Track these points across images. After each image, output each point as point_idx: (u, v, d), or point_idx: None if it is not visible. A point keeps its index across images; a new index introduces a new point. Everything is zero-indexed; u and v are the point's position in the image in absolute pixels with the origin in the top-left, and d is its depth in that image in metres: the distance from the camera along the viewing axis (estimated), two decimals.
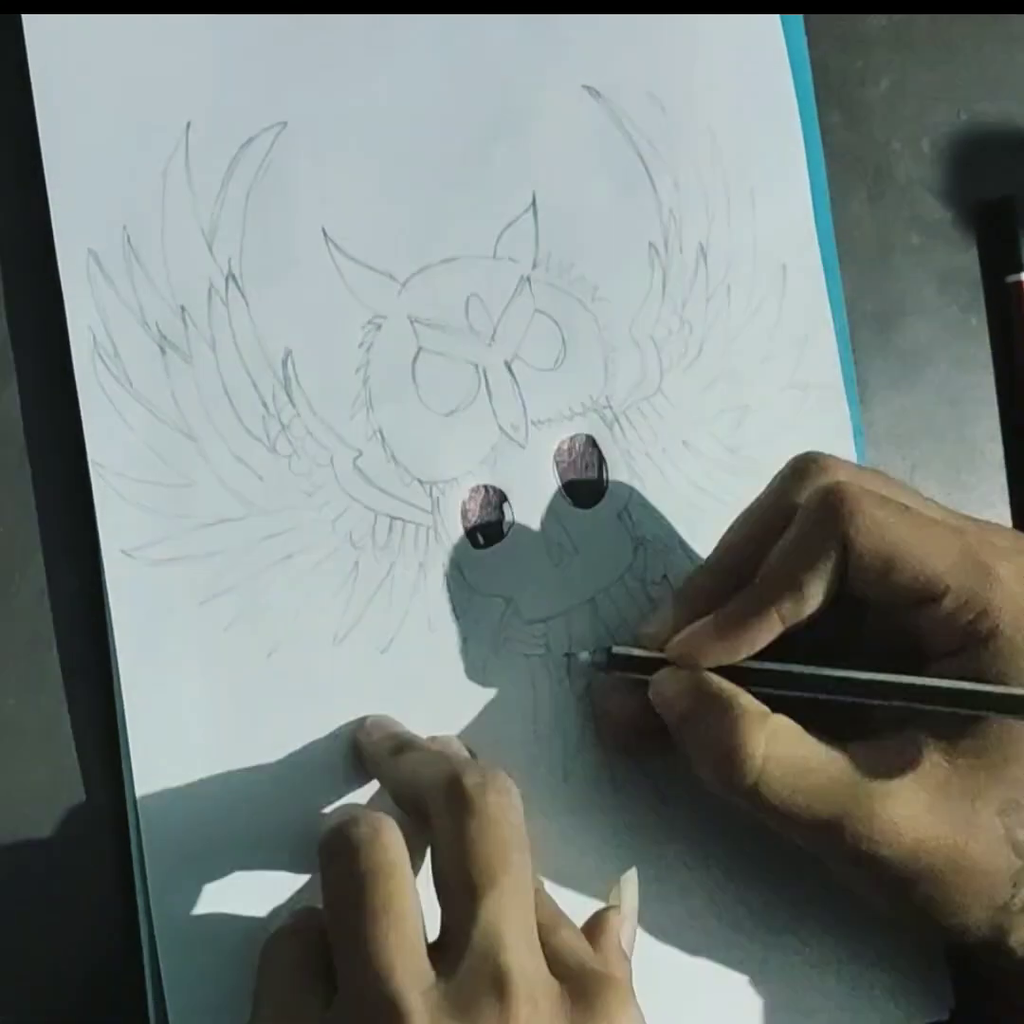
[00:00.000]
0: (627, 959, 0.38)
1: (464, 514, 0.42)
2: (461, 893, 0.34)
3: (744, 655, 0.38)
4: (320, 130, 0.42)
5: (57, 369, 0.40)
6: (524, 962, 0.33)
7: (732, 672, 0.39)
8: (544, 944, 0.35)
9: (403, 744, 0.39)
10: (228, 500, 0.41)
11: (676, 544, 0.44)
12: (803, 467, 0.39)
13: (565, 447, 0.43)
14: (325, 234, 0.42)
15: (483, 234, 0.43)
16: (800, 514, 0.38)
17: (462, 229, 0.43)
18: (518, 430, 0.43)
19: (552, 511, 0.43)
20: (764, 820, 0.38)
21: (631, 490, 0.43)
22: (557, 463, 0.43)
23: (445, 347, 0.42)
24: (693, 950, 0.43)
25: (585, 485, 0.43)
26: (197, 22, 0.41)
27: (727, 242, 0.45)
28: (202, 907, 0.39)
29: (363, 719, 0.41)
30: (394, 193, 0.42)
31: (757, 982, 0.43)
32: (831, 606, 0.38)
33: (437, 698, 0.41)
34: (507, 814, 0.35)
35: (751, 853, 0.43)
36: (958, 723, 0.37)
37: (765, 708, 0.38)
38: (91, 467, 0.40)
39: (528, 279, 0.43)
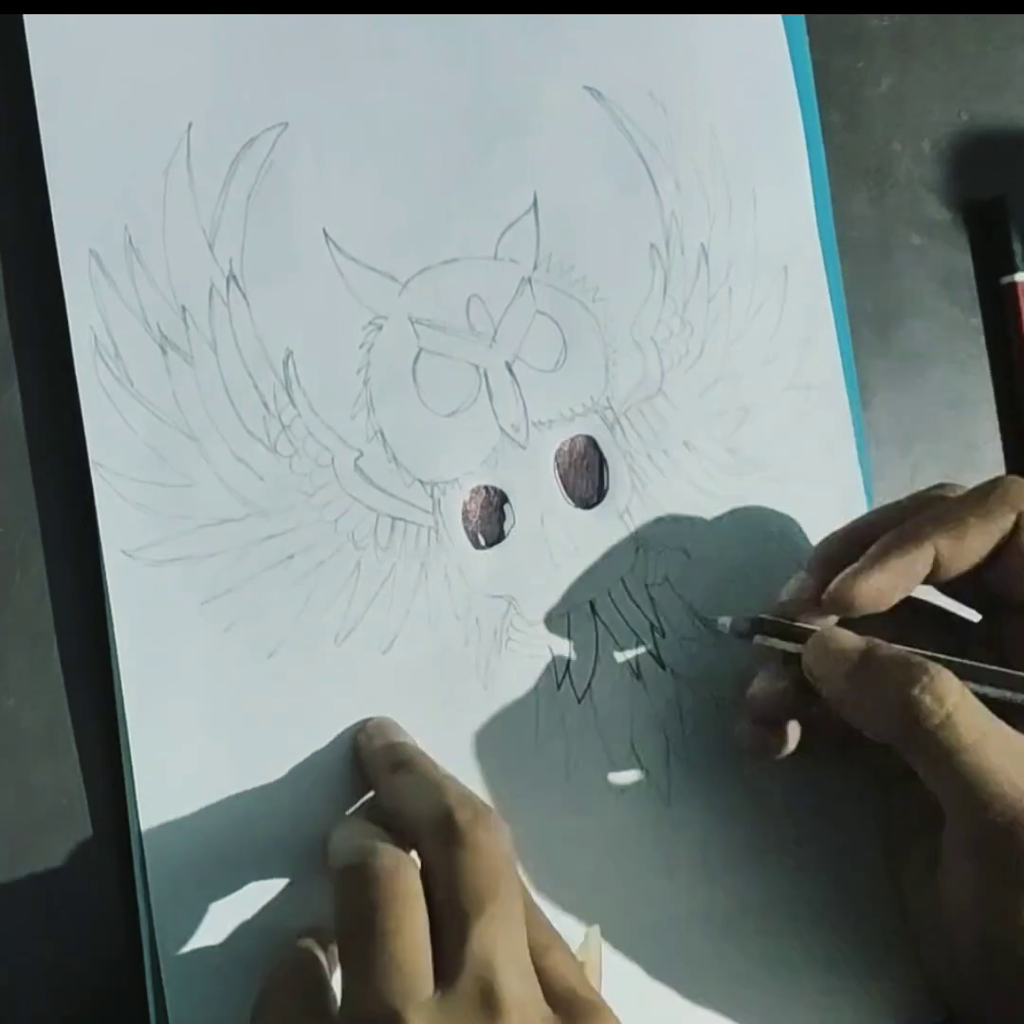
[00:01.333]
0: None
1: (465, 515, 0.42)
2: (453, 919, 0.34)
3: (900, 593, 0.39)
4: (321, 131, 0.42)
5: (58, 369, 0.40)
6: (514, 985, 0.34)
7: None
8: (536, 966, 0.35)
9: (401, 760, 0.39)
10: (229, 500, 0.41)
11: (677, 545, 0.44)
12: (947, 485, 0.41)
13: (566, 448, 0.43)
14: (326, 235, 0.42)
15: (484, 235, 0.43)
16: (978, 486, 0.39)
17: (463, 230, 0.43)
18: (519, 431, 0.43)
19: (553, 512, 0.43)
20: (928, 775, 0.37)
21: (632, 491, 0.43)
22: (558, 464, 0.43)
23: (446, 348, 0.42)
24: (694, 949, 0.42)
25: (586, 486, 0.43)
26: (198, 22, 0.41)
27: (728, 243, 0.45)
28: (203, 911, 0.39)
29: (365, 721, 0.41)
30: (395, 194, 0.42)
31: (756, 982, 0.43)
32: (965, 570, 0.39)
33: (437, 699, 0.41)
34: (496, 846, 0.35)
35: (753, 854, 0.43)
36: None
37: None
38: (92, 467, 0.40)
39: (529, 280, 0.43)
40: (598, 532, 0.43)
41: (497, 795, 0.41)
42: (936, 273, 0.47)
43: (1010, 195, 0.47)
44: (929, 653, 0.38)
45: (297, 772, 0.40)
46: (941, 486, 0.41)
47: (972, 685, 0.37)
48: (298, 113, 0.42)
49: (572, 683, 0.43)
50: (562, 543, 0.43)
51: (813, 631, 0.39)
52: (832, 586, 0.39)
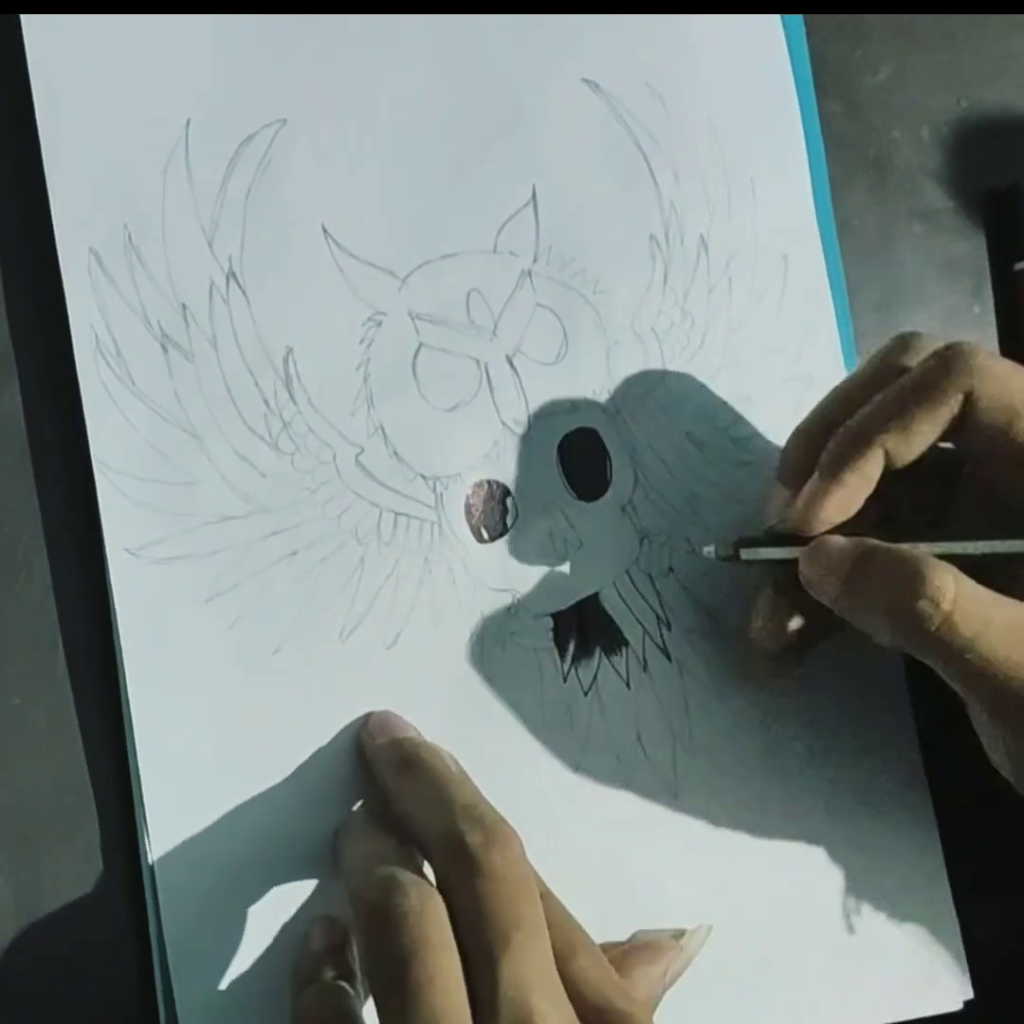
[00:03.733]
0: (660, 989, 0.39)
1: (468, 509, 0.42)
2: (480, 957, 0.34)
3: (860, 499, 0.38)
4: (319, 127, 0.42)
5: (60, 368, 0.40)
6: (551, 1019, 0.33)
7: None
8: (564, 974, 0.35)
9: (406, 759, 0.39)
10: (231, 498, 0.41)
11: (681, 536, 0.44)
12: (909, 339, 0.39)
13: (568, 441, 0.43)
14: (325, 231, 0.42)
15: (483, 229, 0.43)
16: (922, 363, 0.38)
17: (462, 224, 0.43)
18: (520, 424, 0.43)
19: (556, 505, 0.43)
20: (938, 665, 0.37)
21: (635, 483, 0.43)
22: (560, 457, 0.43)
23: (446, 343, 0.42)
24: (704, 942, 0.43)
25: (588, 478, 0.43)
26: (195, 20, 0.42)
27: (728, 233, 0.45)
28: (213, 908, 0.39)
29: (368, 716, 0.41)
30: (394, 189, 0.42)
31: (768, 973, 0.43)
32: (920, 454, 0.38)
33: (444, 693, 0.41)
34: (512, 869, 0.35)
35: (762, 844, 0.43)
36: None
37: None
38: (95, 466, 0.40)
39: (529, 273, 0.43)
40: (602, 524, 0.43)
41: (504, 790, 0.41)
42: (937, 261, 0.47)
43: (1022, 182, 0.47)
44: (921, 530, 0.38)
45: (304, 768, 0.40)
46: (903, 341, 0.40)
47: (967, 545, 0.38)
48: (296, 109, 0.42)
49: (578, 676, 0.43)
50: (566, 536, 0.43)
51: (801, 543, 0.39)
52: (794, 513, 0.39)
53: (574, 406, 0.43)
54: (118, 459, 0.40)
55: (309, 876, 0.40)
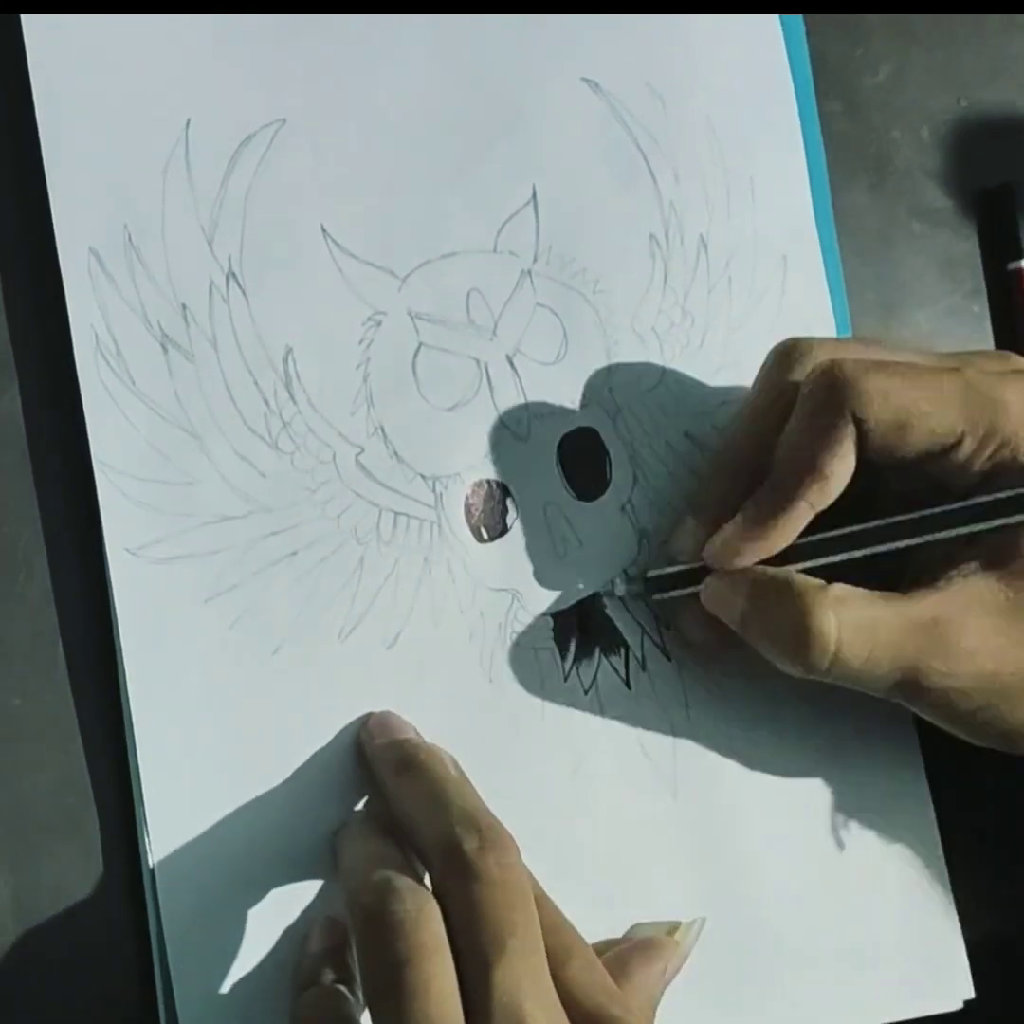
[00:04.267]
0: (660, 988, 0.39)
1: (467, 509, 0.42)
2: (474, 962, 0.34)
3: (780, 548, 0.39)
4: (319, 126, 0.42)
5: (60, 368, 0.40)
6: None
7: (773, 558, 0.39)
8: (558, 980, 0.35)
9: (404, 760, 0.39)
10: (231, 497, 0.41)
11: None
12: (786, 352, 0.40)
13: (568, 440, 0.43)
14: (324, 231, 0.42)
15: (483, 228, 0.43)
16: (802, 399, 0.38)
17: (462, 224, 0.43)
18: (520, 424, 0.43)
19: (555, 504, 0.43)
20: (848, 686, 0.39)
21: (634, 482, 0.43)
22: (560, 456, 0.43)
23: (446, 342, 0.42)
24: (704, 940, 0.42)
25: (588, 478, 0.43)
26: (196, 20, 0.42)
27: (727, 233, 0.45)
28: (213, 908, 0.39)
29: (368, 716, 0.41)
30: (393, 189, 0.42)
31: (768, 973, 0.43)
32: (849, 479, 0.38)
33: (443, 693, 0.41)
34: (508, 874, 0.35)
35: (762, 843, 0.43)
36: (1007, 549, 0.38)
37: (820, 581, 0.38)
38: (95, 466, 0.40)
39: (529, 273, 0.43)
40: (601, 524, 0.43)
41: (502, 790, 0.41)
42: (937, 260, 0.47)
43: (1017, 181, 0.47)
44: (815, 539, 0.39)
45: (304, 768, 0.40)
46: (786, 354, 0.40)
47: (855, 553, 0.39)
48: (296, 109, 0.42)
49: (579, 675, 0.43)
50: (565, 535, 0.43)
51: (705, 569, 0.40)
52: (713, 547, 0.40)
53: (574, 406, 0.43)
54: (118, 459, 0.40)
55: (309, 876, 0.40)
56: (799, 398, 0.38)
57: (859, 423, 0.37)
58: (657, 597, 0.42)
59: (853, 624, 0.37)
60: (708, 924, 0.42)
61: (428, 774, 0.38)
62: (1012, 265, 0.47)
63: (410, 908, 0.34)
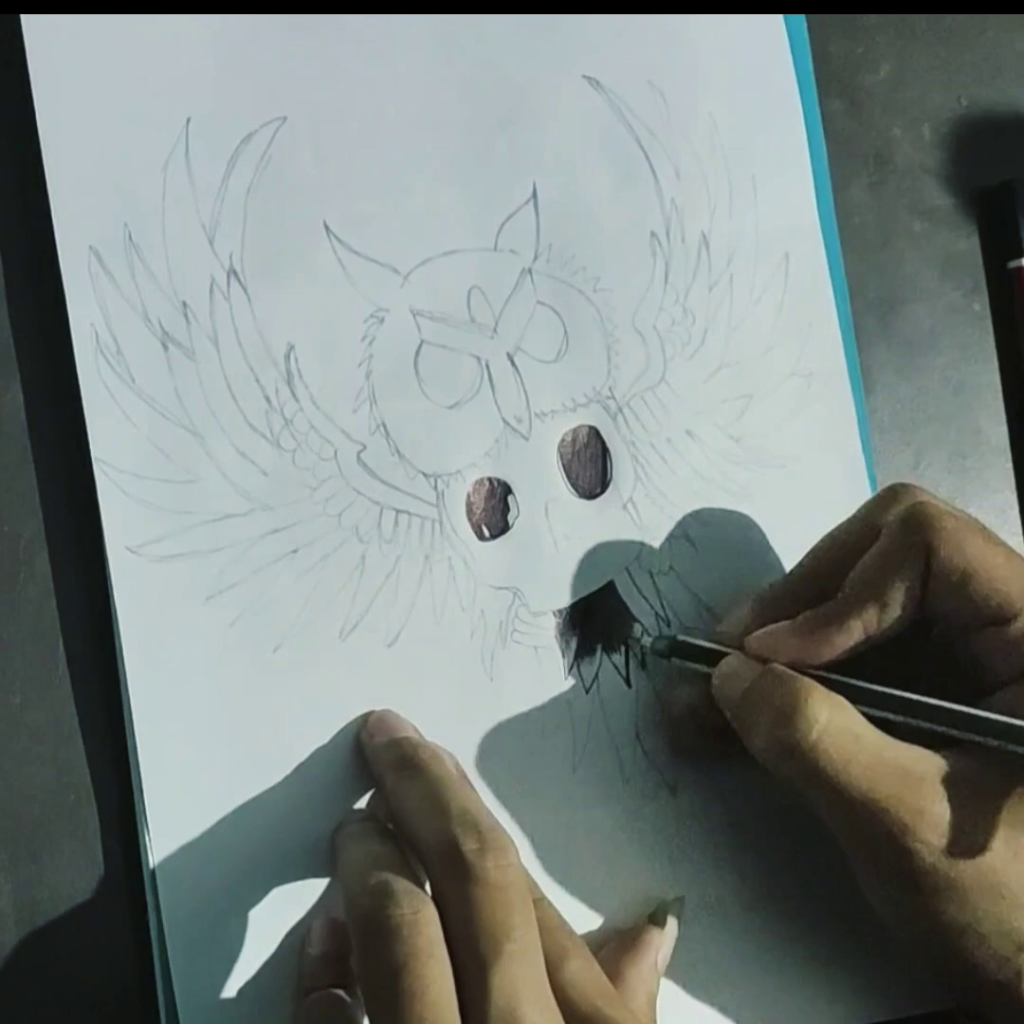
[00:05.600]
0: (655, 981, 0.40)
1: (469, 507, 0.42)
2: (471, 964, 0.34)
3: (821, 660, 0.39)
4: (320, 124, 0.42)
5: (60, 367, 0.40)
6: None
7: None
8: (555, 982, 0.35)
9: (403, 760, 0.39)
10: (232, 496, 0.41)
11: (681, 534, 0.44)
12: (892, 492, 0.40)
13: (569, 438, 0.43)
14: (327, 228, 0.42)
15: (484, 226, 0.43)
16: (887, 528, 0.39)
17: (463, 221, 0.43)
18: (521, 422, 0.43)
19: (557, 503, 0.43)
20: (808, 792, 0.38)
21: (635, 481, 0.43)
22: (561, 455, 0.43)
23: (447, 340, 0.42)
24: (701, 939, 0.42)
25: (589, 476, 0.43)
26: (196, 18, 0.42)
27: (729, 231, 0.45)
28: (212, 905, 0.39)
29: (368, 714, 0.41)
30: (395, 186, 0.42)
31: (764, 971, 0.43)
32: (907, 624, 0.39)
33: (444, 691, 0.41)
34: (506, 876, 0.35)
35: (761, 841, 0.43)
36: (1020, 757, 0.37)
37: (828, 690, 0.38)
38: (95, 464, 0.40)
39: (529, 271, 0.43)
40: (602, 522, 0.43)
41: (504, 788, 0.41)
42: (938, 258, 0.47)
43: (1017, 180, 0.47)
44: (837, 678, 0.38)
45: (304, 766, 0.40)
46: (894, 494, 0.40)
47: (874, 712, 0.38)
48: (296, 107, 0.42)
49: (580, 674, 0.43)
50: (566, 534, 0.43)
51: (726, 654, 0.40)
52: (758, 635, 0.40)
53: (575, 404, 0.43)
54: (118, 457, 0.40)
55: (310, 875, 0.40)
56: (883, 529, 0.39)
57: (929, 561, 0.38)
58: (675, 660, 0.42)
59: (844, 728, 0.37)
60: (708, 925, 0.42)
61: (428, 774, 0.38)
62: (1013, 263, 0.47)
63: (407, 912, 0.34)
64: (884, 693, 0.38)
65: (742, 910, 0.43)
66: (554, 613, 0.43)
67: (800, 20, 0.46)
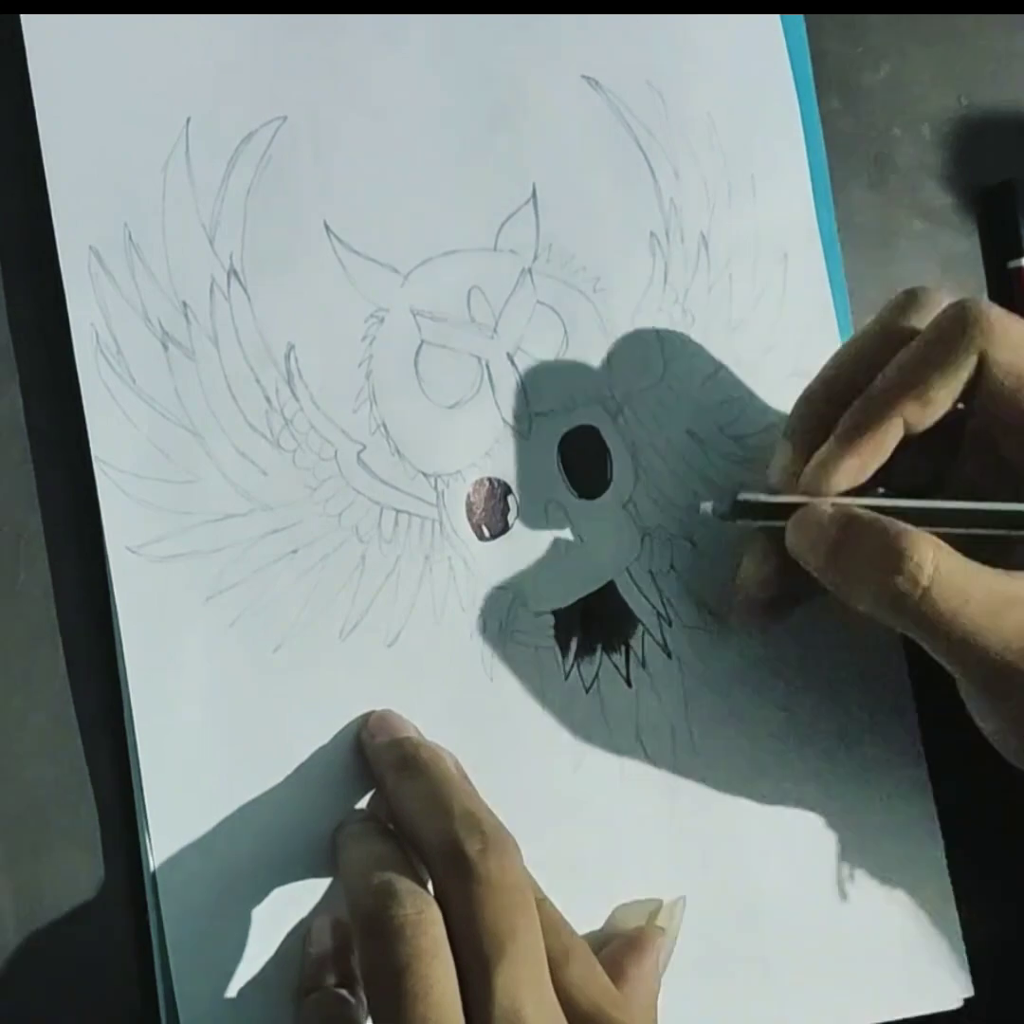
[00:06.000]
0: (657, 982, 0.39)
1: (469, 507, 0.42)
2: (474, 964, 0.34)
3: (873, 468, 0.38)
4: (320, 124, 0.42)
5: (60, 367, 0.40)
6: None
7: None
8: (557, 982, 0.35)
9: (404, 760, 0.39)
10: (232, 496, 0.41)
11: (682, 533, 0.44)
12: (916, 296, 0.39)
13: (569, 438, 0.43)
14: (327, 227, 0.42)
15: (484, 226, 0.43)
16: (934, 323, 0.38)
17: (463, 221, 0.43)
18: (521, 422, 0.43)
19: (557, 502, 0.43)
20: (923, 640, 0.37)
21: (636, 480, 0.43)
22: (561, 454, 0.43)
23: (447, 340, 0.42)
24: (702, 940, 0.42)
25: (589, 476, 0.43)
26: (196, 18, 0.42)
27: (728, 230, 0.45)
28: (213, 905, 0.39)
29: (368, 714, 0.41)
30: (395, 186, 0.42)
31: (767, 971, 0.43)
32: (942, 428, 0.38)
33: (444, 692, 0.41)
34: (509, 877, 0.35)
35: (761, 841, 0.43)
36: None
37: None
38: (95, 464, 0.40)
39: (529, 271, 0.43)
40: (603, 522, 0.43)
41: (504, 789, 0.41)
42: (938, 258, 0.47)
43: (1017, 179, 0.47)
44: (908, 505, 0.38)
45: (304, 766, 0.40)
46: (913, 297, 0.39)
47: (949, 530, 0.37)
48: (297, 106, 0.42)
49: (580, 674, 0.43)
50: (567, 533, 0.43)
51: (797, 505, 0.39)
52: (806, 475, 0.39)
53: (575, 404, 0.43)
54: (119, 457, 0.40)
55: (310, 875, 0.40)
56: (924, 329, 0.38)
57: (984, 363, 0.37)
58: (740, 522, 0.40)
59: (955, 566, 0.36)
60: (707, 924, 0.42)
61: (429, 773, 0.38)
62: (1013, 263, 0.47)
63: (410, 912, 0.34)
64: (958, 509, 0.37)
65: (741, 911, 0.43)
66: (554, 613, 0.43)
67: (799, 20, 0.46)
